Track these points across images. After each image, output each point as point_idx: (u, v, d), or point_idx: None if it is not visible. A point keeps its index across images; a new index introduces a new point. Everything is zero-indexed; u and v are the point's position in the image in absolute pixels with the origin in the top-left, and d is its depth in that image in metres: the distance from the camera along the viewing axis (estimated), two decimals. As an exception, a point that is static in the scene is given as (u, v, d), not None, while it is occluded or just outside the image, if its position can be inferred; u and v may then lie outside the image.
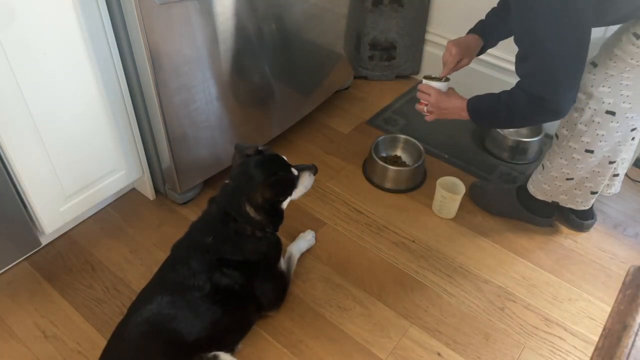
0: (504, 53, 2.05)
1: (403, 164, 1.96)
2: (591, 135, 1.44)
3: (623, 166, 1.64)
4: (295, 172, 1.37)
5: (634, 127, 1.43)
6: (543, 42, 1.23)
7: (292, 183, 1.37)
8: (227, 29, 1.53)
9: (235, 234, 1.32)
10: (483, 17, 1.60)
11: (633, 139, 1.57)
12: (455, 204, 1.78)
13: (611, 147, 1.46)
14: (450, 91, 1.55)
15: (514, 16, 1.28)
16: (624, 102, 1.37)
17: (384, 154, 1.99)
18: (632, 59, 1.31)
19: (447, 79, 1.56)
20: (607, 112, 1.39)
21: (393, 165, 1.91)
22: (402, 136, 2.01)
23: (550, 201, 1.66)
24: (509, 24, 1.50)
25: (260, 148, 1.39)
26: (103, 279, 1.58)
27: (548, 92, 1.27)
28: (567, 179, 1.56)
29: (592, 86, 1.39)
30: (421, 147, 1.94)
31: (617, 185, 1.69)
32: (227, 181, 1.36)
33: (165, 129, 1.54)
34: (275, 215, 1.37)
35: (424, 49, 2.40)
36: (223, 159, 1.79)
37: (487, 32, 1.57)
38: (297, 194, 1.40)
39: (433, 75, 1.56)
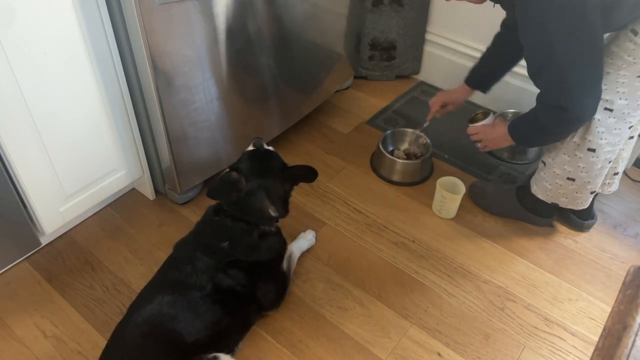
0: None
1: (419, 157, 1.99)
2: (592, 132, 1.44)
3: (622, 164, 1.64)
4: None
5: (631, 124, 1.44)
6: (557, 55, 1.29)
7: (313, 174, 1.41)
8: (227, 29, 1.53)
9: (249, 234, 1.35)
10: (484, 48, 1.71)
11: (632, 137, 1.57)
12: (455, 204, 1.78)
13: (612, 147, 1.46)
14: (497, 121, 1.68)
15: (522, 34, 1.34)
16: (620, 99, 1.38)
17: (391, 147, 2.02)
18: (628, 55, 1.32)
19: (487, 114, 1.78)
20: (605, 109, 1.39)
21: (414, 157, 1.96)
22: (410, 130, 2.03)
23: (550, 202, 1.65)
24: (503, 69, 1.71)
25: (255, 142, 1.44)
26: (103, 279, 1.58)
27: (567, 101, 1.33)
28: (569, 179, 1.56)
29: None
30: (428, 141, 1.95)
31: (616, 184, 1.69)
32: (233, 174, 1.33)
33: (165, 129, 1.54)
34: (287, 207, 1.43)
35: (424, 49, 2.40)
36: (223, 159, 1.79)
37: (479, 83, 1.78)
38: None
39: (477, 114, 1.82)
